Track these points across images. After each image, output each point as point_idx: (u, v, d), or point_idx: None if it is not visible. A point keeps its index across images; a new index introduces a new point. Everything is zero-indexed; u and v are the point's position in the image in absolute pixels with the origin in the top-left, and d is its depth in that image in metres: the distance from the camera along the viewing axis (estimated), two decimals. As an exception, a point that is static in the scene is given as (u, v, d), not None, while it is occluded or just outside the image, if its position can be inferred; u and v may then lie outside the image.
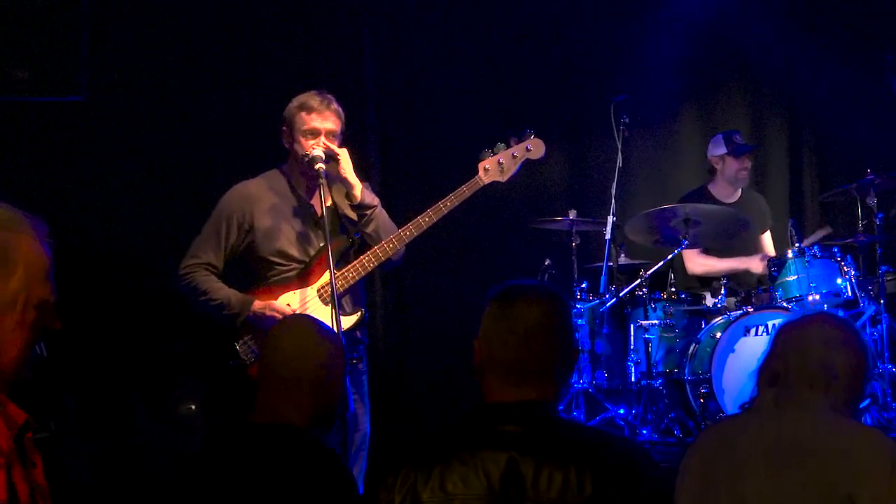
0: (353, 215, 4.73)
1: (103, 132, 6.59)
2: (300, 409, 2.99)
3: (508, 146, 4.91)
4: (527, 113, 7.45)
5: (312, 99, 4.68)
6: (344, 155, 4.66)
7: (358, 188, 4.68)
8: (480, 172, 4.83)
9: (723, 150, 7.07)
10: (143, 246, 6.50)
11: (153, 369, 6.10)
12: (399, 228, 4.70)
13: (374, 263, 4.65)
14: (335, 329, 4.10)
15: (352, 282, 4.63)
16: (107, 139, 6.61)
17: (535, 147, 4.96)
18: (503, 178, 4.89)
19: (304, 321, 3.31)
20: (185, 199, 6.37)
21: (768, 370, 2.93)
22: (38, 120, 6.33)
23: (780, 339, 2.97)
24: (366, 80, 7.34)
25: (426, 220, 4.67)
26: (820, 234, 7.01)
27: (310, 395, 3.00)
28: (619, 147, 6.62)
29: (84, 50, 5.54)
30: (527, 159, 4.95)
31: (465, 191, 4.76)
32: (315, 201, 4.71)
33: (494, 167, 4.85)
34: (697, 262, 7.06)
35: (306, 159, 4.59)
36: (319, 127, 4.64)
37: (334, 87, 4.83)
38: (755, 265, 6.91)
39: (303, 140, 4.64)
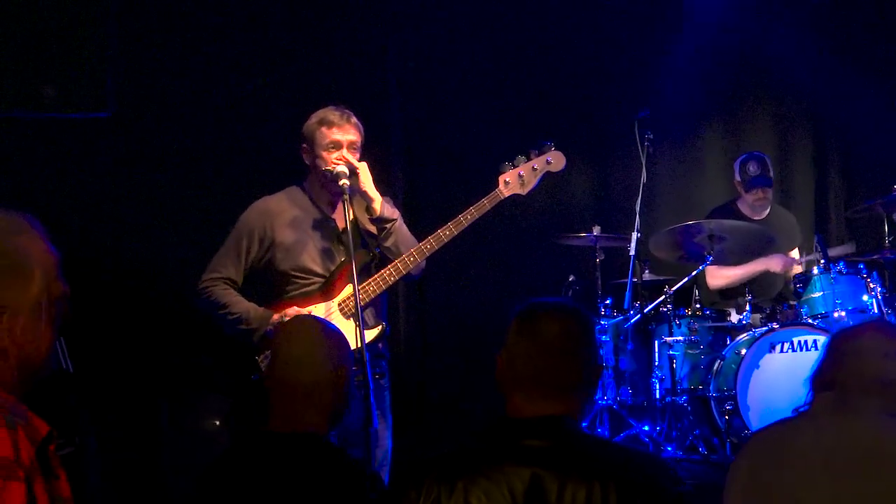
0: (374, 229, 4.73)
1: (130, 148, 6.63)
2: (320, 413, 2.97)
3: (528, 159, 4.90)
4: (551, 128, 7.34)
5: (331, 113, 4.69)
6: (363, 169, 4.64)
7: (377, 201, 4.67)
8: (500, 185, 4.82)
9: (738, 177, 7.08)
10: (168, 260, 6.50)
11: (178, 384, 6.10)
12: (420, 242, 4.69)
13: (394, 277, 4.64)
14: (358, 343, 4.10)
15: (373, 295, 4.62)
16: (133, 155, 6.65)
17: (555, 159, 4.95)
18: (523, 191, 4.87)
19: (306, 323, 3.28)
20: (211, 214, 6.34)
21: (823, 377, 2.87)
22: (65, 136, 6.36)
23: (835, 345, 2.94)
24: (389, 94, 7.38)
25: (446, 233, 4.66)
26: (845, 249, 6.96)
27: (328, 397, 2.99)
28: (644, 163, 6.61)
29: (111, 67, 5.56)
30: (547, 172, 4.94)
31: (485, 204, 4.74)
32: (337, 215, 4.72)
33: (515, 180, 4.84)
34: (717, 276, 7.03)
35: (330, 175, 4.58)
36: (341, 139, 4.65)
37: (358, 101, 4.88)
38: (773, 264, 6.86)
39: (325, 154, 4.65)
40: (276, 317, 4.56)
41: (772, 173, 7.04)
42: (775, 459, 2.75)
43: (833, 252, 6.74)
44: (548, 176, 4.96)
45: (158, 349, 6.30)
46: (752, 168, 6.99)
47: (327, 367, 2.99)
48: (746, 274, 6.89)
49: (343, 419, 3.14)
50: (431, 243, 4.66)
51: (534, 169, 4.89)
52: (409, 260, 4.64)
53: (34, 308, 2.05)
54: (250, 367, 4.57)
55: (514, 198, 4.87)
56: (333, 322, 4.44)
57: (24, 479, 1.87)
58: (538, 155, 4.92)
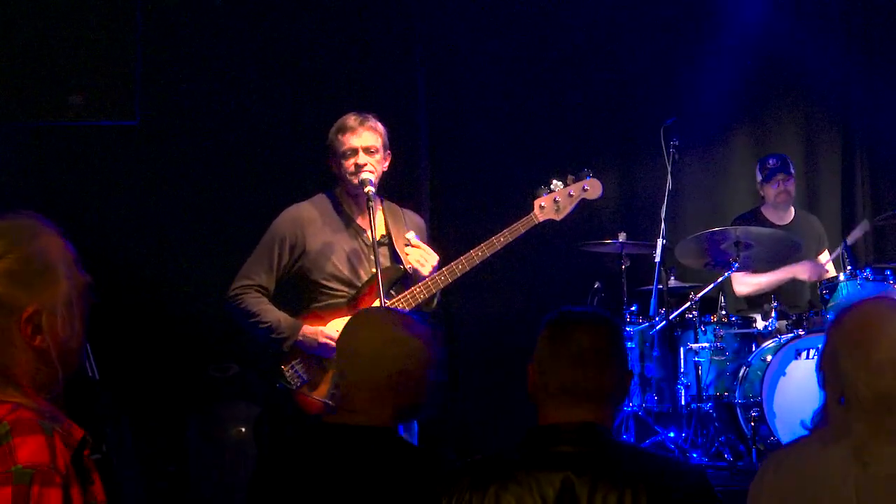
0: (402, 249, 4.70)
1: (156, 156, 6.70)
2: (382, 408, 2.89)
3: (565, 184, 4.90)
4: (578, 135, 7.49)
5: (349, 119, 4.69)
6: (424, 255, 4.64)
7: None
8: (536, 210, 4.82)
9: (759, 177, 7.07)
10: (194, 269, 6.58)
11: (205, 392, 6.12)
12: (450, 262, 4.68)
13: (424, 295, 4.62)
14: None
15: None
16: (160, 163, 6.73)
17: (592, 187, 4.95)
18: (558, 217, 4.88)
19: (379, 315, 3.21)
20: (238, 221, 6.41)
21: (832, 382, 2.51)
22: (92, 144, 6.41)
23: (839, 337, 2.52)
24: (417, 112, 7.36)
25: (478, 254, 4.66)
26: (861, 228, 7.01)
27: (388, 396, 2.89)
28: (670, 169, 6.57)
29: (137, 75, 5.61)
30: (583, 199, 4.95)
31: (519, 228, 4.75)
32: (366, 224, 4.68)
33: (550, 205, 4.85)
34: (743, 283, 7.01)
35: (356, 181, 4.60)
36: (357, 145, 4.63)
37: (385, 118, 4.85)
38: (801, 271, 6.84)
39: (344, 162, 4.66)
40: (307, 328, 4.56)
41: (793, 169, 7.02)
42: (799, 495, 2.46)
43: (851, 238, 6.78)
44: (583, 203, 4.97)
45: (185, 357, 6.33)
46: (772, 161, 7.00)
47: (386, 368, 2.88)
48: (773, 281, 6.88)
49: (414, 417, 3.07)
50: (463, 264, 4.65)
51: (570, 195, 4.89)
52: (440, 279, 4.63)
53: (67, 304, 2.09)
54: (276, 375, 4.58)
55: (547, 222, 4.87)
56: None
57: (61, 485, 1.90)
58: (575, 181, 4.92)
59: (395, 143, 4.81)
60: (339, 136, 4.67)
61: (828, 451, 2.44)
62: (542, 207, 4.84)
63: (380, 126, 4.72)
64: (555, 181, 4.90)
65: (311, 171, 5.48)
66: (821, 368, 2.53)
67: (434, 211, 7.22)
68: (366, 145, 4.64)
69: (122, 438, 5.12)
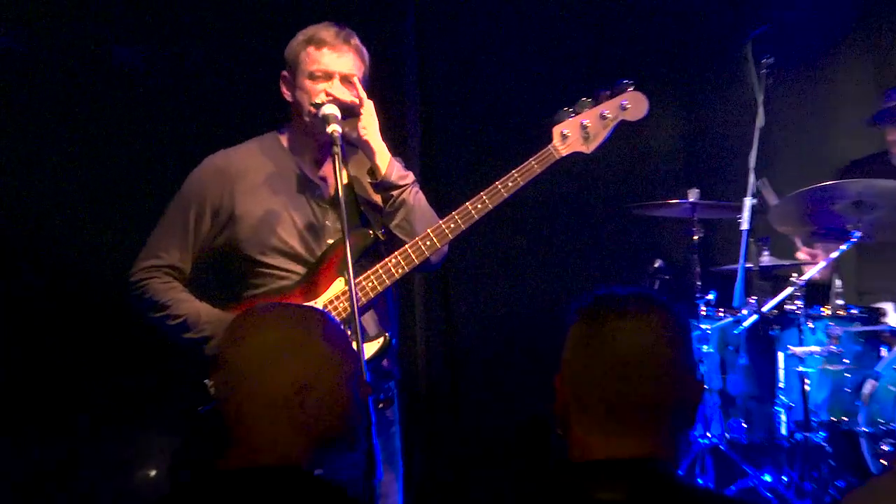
0: (380, 199, 4.73)
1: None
2: (300, 434, 2.93)
3: (596, 102, 4.86)
4: (620, 50, 7.60)
5: (325, 30, 4.67)
6: (368, 109, 4.62)
7: (383, 157, 4.66)
8: (556, 140, 4.78)
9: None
10: (101, 249, 6.44)
11: (102, 416, 6.11)
12: (441, 219, 4.68)
13: (405, 268, 4.62)
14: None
15: (374, 294, 4.58)
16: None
17: (633, 103, 4.89)
18: (588, 149, 4.84)
19: (273, 313, 3.20)
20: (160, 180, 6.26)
21: None
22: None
23: None
24: (405, 25, 7.44)
25: (478, 207, 4.64)
26: None
27: (290, 420, 2.93)
28: (760, 100, 6.58)
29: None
30: (622, 121, 4.89)
31: (533, 166, 4.71)
32: (326, 177, 4.71)
33: (576, 132, 4.80)
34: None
35: (318, 115, 4.52)
36: (332, 68, 4.61)
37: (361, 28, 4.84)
38: None
39: (309, 84, 4.62)
40: None
41: None
42: None
43: None
44: (623, 126, 4.90)
45: (76, 364, 6.28)
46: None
47: (286, 379, 2.93)
48: None
49: (342, 448, 3.08)
50: (457, 222, 4.63)
51: (603, 116, 4.84)
52: (425, 246, 4.62)
53: None
54: (198, 394, 4.50)
55: (575, 156, 4.81)
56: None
57: None
58: (609, 97, 4.88)
59: (377, 68, 4.82)
60: (311, 49, 4.65)
61: None
62: (564, 136, 4.79)
63: (365, 51, 4.73)
64: (582, 99, 4.85)
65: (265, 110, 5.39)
66: None
67: (427, 166, 7.25)
68: (345, 71, 4.63)
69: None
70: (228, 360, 3.05)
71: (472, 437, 7.31)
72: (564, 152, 4.77)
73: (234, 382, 3.00)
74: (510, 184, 4.65)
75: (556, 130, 4.78)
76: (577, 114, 4.81)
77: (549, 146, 4.75)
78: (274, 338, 2.98)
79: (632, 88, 4.89)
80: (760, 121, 6.55)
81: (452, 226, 4.62)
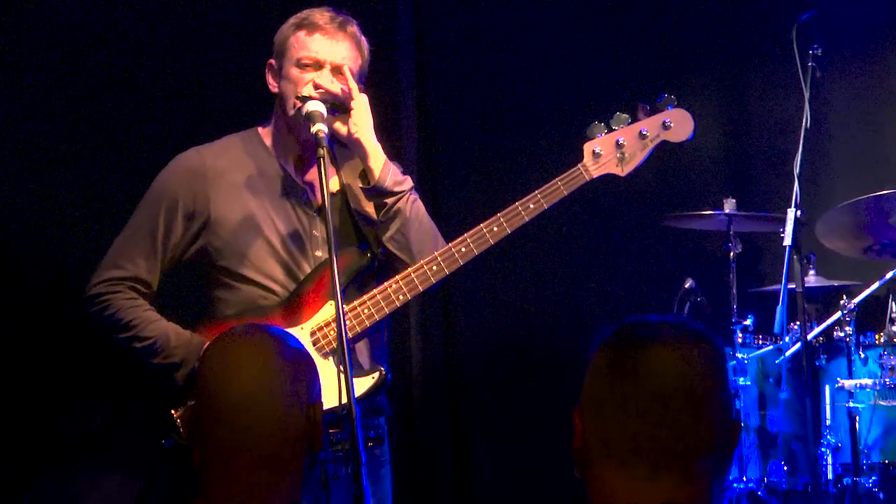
0: (373, 211, 4.64)
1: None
2: (282, 477, 2.92)
3: (635, 119, 4.74)
4: (651, 46, 7.49)
5: (319, 15, 4.58)
6: (361, 104, 4.51)
7: (377, 159, 4.53)
8: (586, 158, 4.66)
9: None
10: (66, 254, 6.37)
11: (55, 454, 5.97)
12: (442, 233, 4.66)
13: (406, 296, 4.52)
14: (343, 397, 3.90)
15: (368, 323, 4.48)
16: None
17: (677, 123, 4.79)
18: (622, 171, 4.73)
19: (247, 338, 3.14)
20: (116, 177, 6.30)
21: None
22: None
23: None
24: (401, 14, 7.49)
25: (494, 231, 4.54)
26: None
27: (297, 451, 2.93)
28: (807, 95, 6.29)
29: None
30: (663, 142, 4.78)
31: (559, 188, 4.60)
32: (314, 180, 4.54)
33: (610, 151, 4.68)
34: None
35: (302, 112, 4.42)
36: (323, 56, 4.50)
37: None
38: None
39: (295, 73, 4.51)
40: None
41: None
42: None
43: None
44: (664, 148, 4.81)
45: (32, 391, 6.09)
46: None
47: (289, 404, 2.96)
48: None
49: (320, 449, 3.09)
50: (469, 246, 4.54)
51: (642, 135, 4.72)
52: (431, 272, 4.52)
53: None
54: (163, 426, 4.45)
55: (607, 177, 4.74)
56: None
57: None
58: (650, 112, 4.77)
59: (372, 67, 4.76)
60: (301, 35, 4.56)
61: None
62: (596, 155, 4.66)
63: (365, 42, 4.65)
64: (617, 113, 4.72)
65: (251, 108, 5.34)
66: None
67: (424, 172, 7.29)
68: (338, 62, 4.53)
69: None
70: (208, 395, 2.99)
71: (474, 472, 7.37)
72: (596, 174, 4.68)
73: (211, 419, 2.96)
74: (532, 206, 4.56)
75: (588, 148, 4.68)
76: (611, 130, 4.71)
77: (579, 165, 4.66)
78: (258, 370, 2.96)
79: (675, 105, 4.79)
80: (807, 120, 6.28)
81: (464, 250, 4.53)
